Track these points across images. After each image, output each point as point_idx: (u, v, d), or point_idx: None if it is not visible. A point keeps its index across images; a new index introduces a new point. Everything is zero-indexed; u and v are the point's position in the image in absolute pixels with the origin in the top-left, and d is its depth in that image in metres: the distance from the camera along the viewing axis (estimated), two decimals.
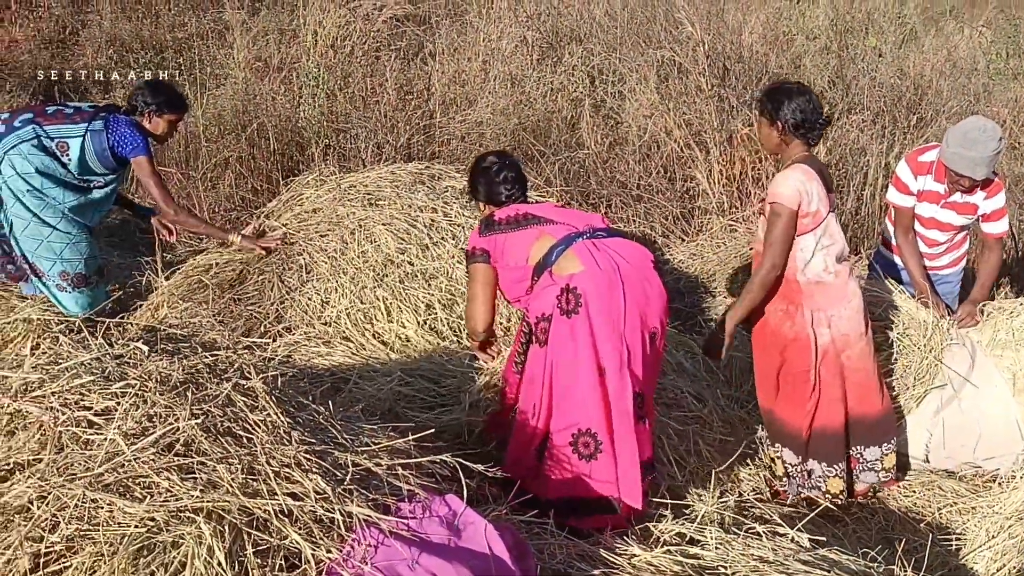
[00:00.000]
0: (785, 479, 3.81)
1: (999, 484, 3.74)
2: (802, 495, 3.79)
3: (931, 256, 4.56)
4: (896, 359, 4.10)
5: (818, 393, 3.65)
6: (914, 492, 3.99)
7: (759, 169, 6.49)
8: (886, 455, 3.78)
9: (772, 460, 3.87)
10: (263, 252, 4.56)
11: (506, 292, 3.44)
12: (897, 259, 4.67)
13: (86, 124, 4.32)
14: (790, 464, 3.78)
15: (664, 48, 7.56)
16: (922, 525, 3.71)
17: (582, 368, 3.11)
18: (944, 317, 4.19)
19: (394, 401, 3.60)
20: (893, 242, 4.67)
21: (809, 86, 3.78)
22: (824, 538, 2.89)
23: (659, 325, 3.24)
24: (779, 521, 2.85)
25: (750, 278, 3.60)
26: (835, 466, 3.74)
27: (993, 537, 3.24)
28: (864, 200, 6.55)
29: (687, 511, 3.44)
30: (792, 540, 2.75)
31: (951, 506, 3.84)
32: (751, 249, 3.89)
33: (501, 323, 4.17)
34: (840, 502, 3.77)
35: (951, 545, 3.46)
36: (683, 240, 6.47)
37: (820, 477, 3.75)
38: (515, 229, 3.33)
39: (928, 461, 4.06)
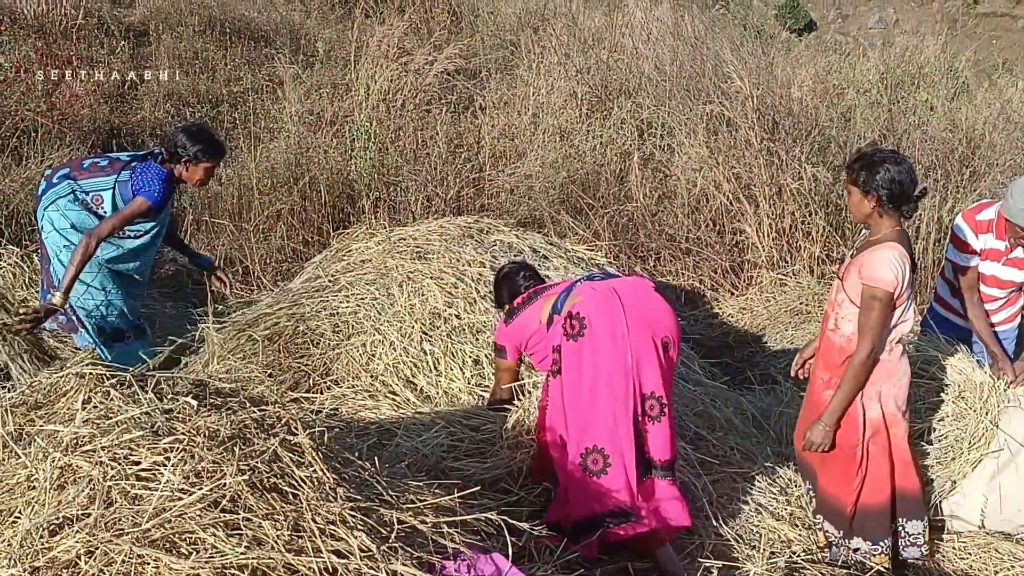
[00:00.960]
0: (827, 550, 3.71)
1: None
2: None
3: (989, 313, 4.46)
4: (951, 421, 3.99)
5: (865, 469, 3.55)
6: (970, 555, 3.86)
7: (809, 223, 6.42)
8: (927, 527, 3.67)
9: (816, 533, 3.77)
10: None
11: (538, 361, 3.72)
12: (951, 316, 4.58)
13: (115, 175, 4.35)
14: (832, 535, 3.68)
15: (713, 102, 7.56)
16: None
17: (588, 386, 3.30)
18: (1005, 378, 4.08)
19: (440, 456, 3.59)
20: (948, 299, 4.58)
21: (905, 156, 3.63)
22: None
23: (670, 335, 3.42)
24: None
25: (851, 368, 3.45)
26: (880, 543, 3.62)
27: None
28: (916, 255, 6.44)
29: (736, 573, 3.37)
30: None
31: (1008, 570, 3.71)
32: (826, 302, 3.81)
33: None
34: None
35: None
36: (732, 294, 6.41)
37: (866, 554, 3.63)
38: (527, 307, 3.70)
39: (983, 527, 3.93)
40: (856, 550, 3.63)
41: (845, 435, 3.55)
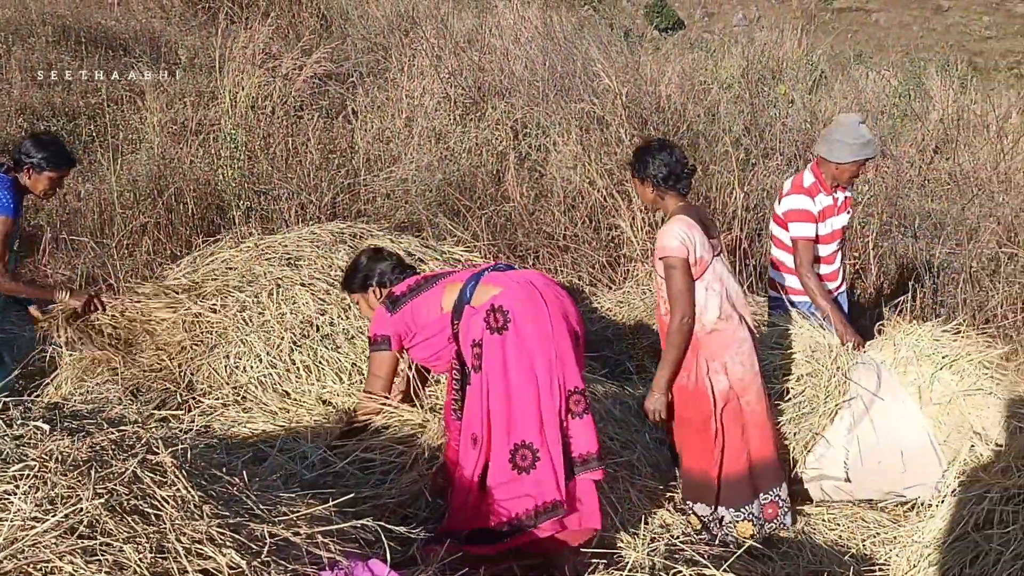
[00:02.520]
0: (703, 533, 3.82)
1: (918, 513, 3.80)
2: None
3: (831, 276, 4.71)
4: (806, 379, 4.18)
5: (722, 440, 3.69)
6: (839, 525, 4.04)
7: None
8: (786, 495, 3.86)
9: (688, 519, 3.88)
10: (92, 307, 4.30)
11: (421, 355, 3.54)
12: (789, 296, 4.76)
13: None
14: (704, 516, 3.79)
15: (584, 101, 7.69)
16: (847, 557, 3.74)
17: (516, 381, 3.21)
18: (849, 345, 4.31)
19: (320, 470, 3.52)
20: (781, 282, 4.79)
21: (672, 141, 3.99)
22: None
23: (579, 326, 3.40)
24: (707, 563, 2.84)
25: (668, 336, 3.64)
26: (742, 510, 3.76)
27: (915, 566, 3.29)
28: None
29: (618, 560, 3.42)
30: None
31: (874, 537, 3.89)
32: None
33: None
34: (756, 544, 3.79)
35: (875, 575, 3.50)
36: (610, 288, 6.52)
37: (729, 523, 3.76)
38: (420, 293, 3.50)
39: (849, 480, 4.10)
40: (722, 519, 3.76)
41: (698, 411, 3.69)
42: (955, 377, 4.12)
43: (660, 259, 3.62)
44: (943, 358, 4.19)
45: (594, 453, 3.28)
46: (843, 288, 4.86)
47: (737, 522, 3.76)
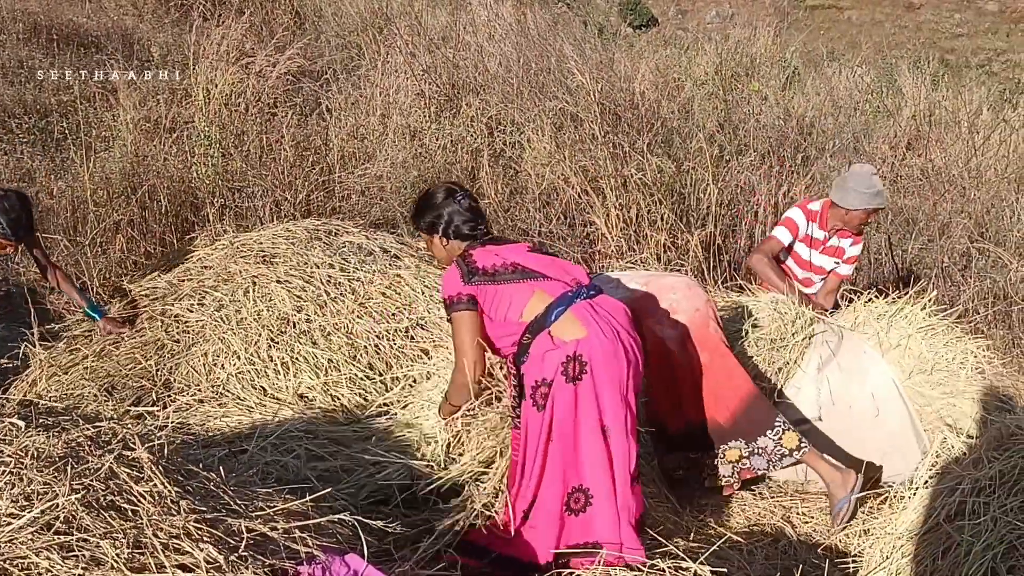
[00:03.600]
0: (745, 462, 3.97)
1: (891, 505, 3.86)
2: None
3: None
4: (771, 321, 4.40)
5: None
6: (812, 518, 4.09)
7: (654, 213, 6.63)
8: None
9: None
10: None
11: (491, 334, 3.26)
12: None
13: None
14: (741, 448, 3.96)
15: (558, 98, 7.71)
16: (820, 549, 3.79)
17: (584, 431, 3.09)
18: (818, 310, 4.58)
19: (299, 466, 3.52)
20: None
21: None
22: (725, 569, 2.93)
23: (639, 383, 3.27)
24: (682, 555, 2.87)
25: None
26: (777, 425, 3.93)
27: (887, 557, 3.33)
28: (756, 238, 6.74)
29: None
30: (695, 574, 2.79)
31: (847, 529, 3.94)
32: None
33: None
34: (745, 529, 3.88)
35: (848, 567, 3.54)
36: None
37: (775, 445, 3.92)
38: (506, 281, 3.17)
39: (821, 419, 4.23)
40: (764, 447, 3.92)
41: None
42: (923, 346, 4.29)
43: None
44: (908, 325, 4.39)
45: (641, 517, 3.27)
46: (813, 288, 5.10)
47: (781, 437, 3.89)
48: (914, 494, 3.48)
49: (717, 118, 8.16)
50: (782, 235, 4.86)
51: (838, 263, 4.96)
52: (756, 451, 3.91)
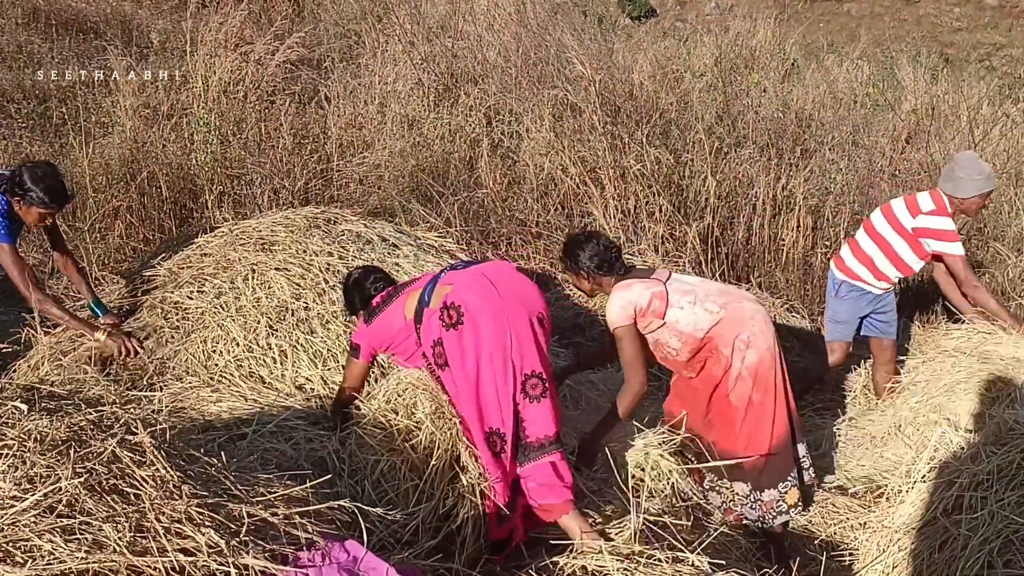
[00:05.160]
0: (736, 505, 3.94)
1: (887, 499, 3.88)
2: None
3: (891, 280, 4.96)
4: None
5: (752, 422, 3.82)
6: (809, 511, 4.10)
7: (652, 204, 6.64)
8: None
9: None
10: (125, 351, 4.28)
11: (403, 357, 3.66)
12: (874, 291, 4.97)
13: None
14: (741, 495, 3.91)
15: (557, 88, 7.70)
16: (817, 543, 3.82)
17: (474, 371, 3.27)
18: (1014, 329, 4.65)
19: (296, 452, 3.54)
20: (867, 279, 4.96)
21: (597, 230, 4.37)
22: (724, 561, 2.95)
23: (543, 311, 3.46)
24: (680, 547, 2.89)
25: (620, 398, 3.79)
26: (789, 479, 3.89)
27: (884, 551, 3.36)
28: (754, 230, 6.75)
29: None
30: (692, 564, 2.81)
31: (844, 522, 3.96)
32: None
33: None
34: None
35: (845, 561, 3.56)
36: None
37: (779, 499, 3.87)
38: (389, 303, 3.64)
39: None
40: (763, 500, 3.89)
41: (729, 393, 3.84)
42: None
43: (611, 333, 3.82)
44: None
45: (551, 436, 3.34)
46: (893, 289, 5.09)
47: (785, 492, 3.87)
48: (911, 488, 3.50)
49: (716, 110, 8.15)
50: (959, 249, 4.77)
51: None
52: (756, 501, 3.87)
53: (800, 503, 3.90)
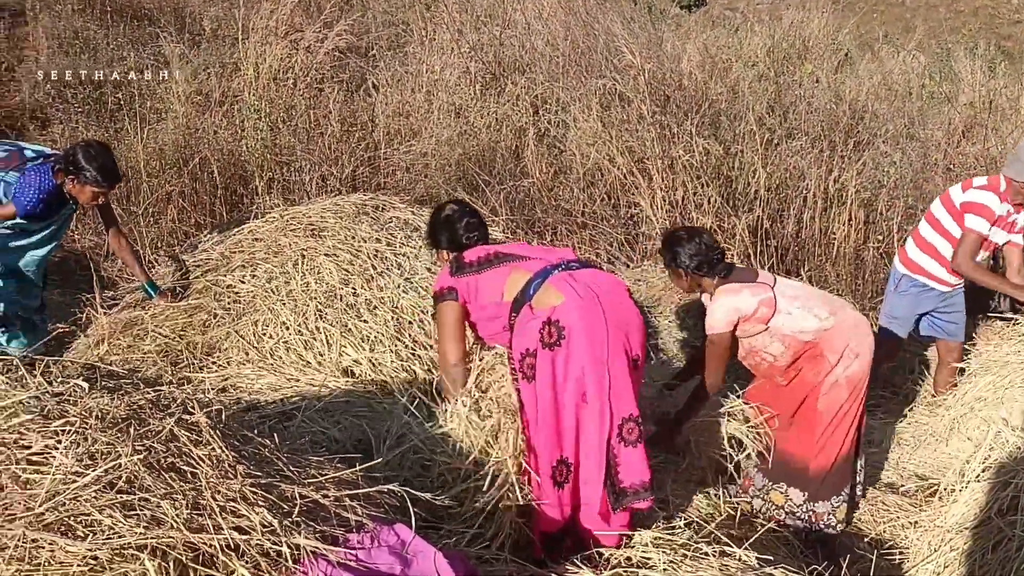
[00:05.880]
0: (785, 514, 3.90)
1: (939, 498, 3.82)
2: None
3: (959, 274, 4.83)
4: None
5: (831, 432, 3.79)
6: (858, 508, 4.05)
7: (701, 195, 6.59)
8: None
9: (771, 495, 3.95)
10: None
11: (483, 331, 3.43)
12: (939, 287, 4.86)
13: (4, 172, 4.25)
14: (795, 502, 3.87)
15: (605, 77, 7.66)
16: (866, 540, 3.77)
17: (560, 398, 3.10)
18: None
19: (343, 435, 3.57)
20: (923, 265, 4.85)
21: (700, 227, 4.25)
22: (771, 557, 2.92)
23: (640, 351, 3.24)
24: (727, 541, 2.87)
25: (694, 393, 3.82)
26: (843, 494, 3.85)
27: (935, 550, 3.31)
28: (804, 223, 6.67)
29: (637, 533, 3.46)
30: (740, 559, 2.78)
31: (894, 521, 3.91)
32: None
33: None
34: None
35: (895, 559, 3.52)
36: (628, 266, 6.53)
37: (830, 513, 3.82)
38: (486, 269, 3.35)
39: None
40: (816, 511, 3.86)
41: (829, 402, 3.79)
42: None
43: (707, 334, 3.78)
44: None
45: (647, 483, 3.18)
46: (961, 287, 4.95)
47: (838, 507, 3.83)
48: (965, 487, 3.44)
49: (767, 100, 8.06)
50: (981, 227, 4.63)
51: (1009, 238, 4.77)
52: (808, 512, 3.82)
53: (844, 521, 3.88)
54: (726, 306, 3.71)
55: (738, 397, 3.99)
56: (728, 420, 3.88)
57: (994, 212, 4.60)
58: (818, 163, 6.95)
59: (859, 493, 3.93)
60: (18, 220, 4.29)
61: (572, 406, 3.11)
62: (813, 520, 3.80)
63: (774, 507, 3.87)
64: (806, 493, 3.80)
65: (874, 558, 3.29)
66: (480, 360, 3.45)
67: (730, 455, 3.81)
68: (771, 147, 7.18)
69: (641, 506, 3.19)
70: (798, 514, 3.82)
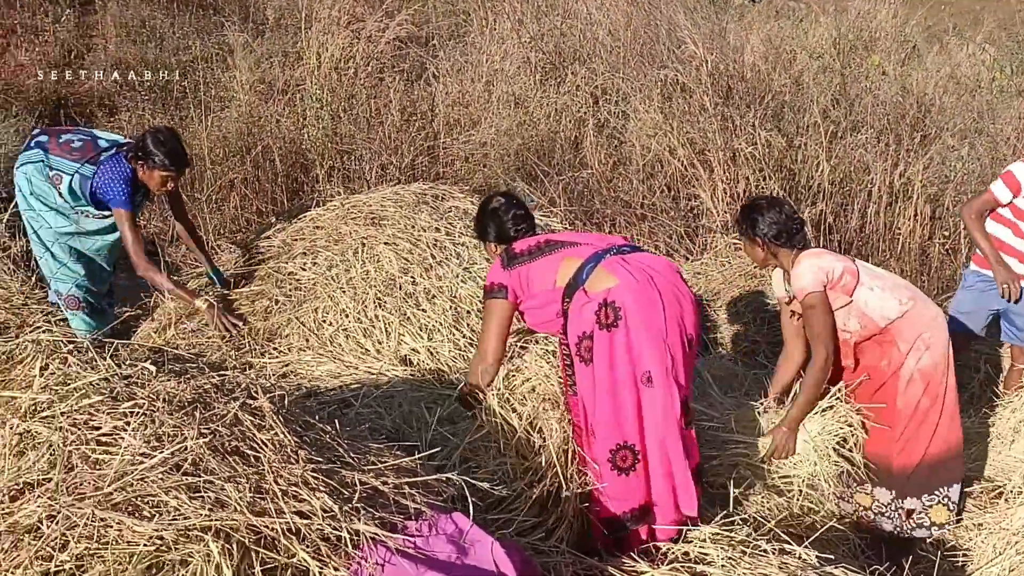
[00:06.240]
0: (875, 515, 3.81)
1: (1005, 500, 3.72)
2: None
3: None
4: None
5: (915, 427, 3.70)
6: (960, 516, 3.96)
7: (763, 188, 6.50)
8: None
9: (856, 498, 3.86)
10: (222, 329, 4.26)
11: (533, 320, 3.42)
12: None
13: (78, 164, 4.33)
14: (883, 502, 3.78)
15: (667, 67, 7.59)
16: (929, 541, 3.69)
17: (619, 380, 3.08)
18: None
19: (401, 422, 3.60)
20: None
21: (781, 198, 4.07)
22: (832, 555, 2.87)
23: (695, 332, 3.21)
24: (787, 539, 2.83)
25: (808, 374, 3.61)
26: (935, 493, 3.73)
27: (1001, 553, 3.24)
28: (869, 217, 6.55)
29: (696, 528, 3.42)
30: (800, 557, 2.75)
31: (959, 522, 3.81)
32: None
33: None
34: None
35: (958, 561, 3.44)
36: (687, 259, 6.48)
37: (921, 512, 3.72)
38: (537, 257, 3.34)
39: None
40: (910, 510, 3.75)
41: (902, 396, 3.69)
42: None
43: (800, 301, 3.62)
44: None
45: (696, 466, 3.20)
46: None
47: (931, 507, 3.73)
48: None
49: (832, 92, 7.91)
50: (999, 191, 4.52)
51: None
52: (897, 510, 3.72)
53: (948, 524, 3.73)
54: (813, 266, 3.59)
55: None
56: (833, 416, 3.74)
57: (1020, 184, 4.48)
58: (883, 157, 6.82)
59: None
60: (88, 207, 4.39)
61: (632, 387, 3.08)
62: (902, 519, 3.71)
63: (861, 508, 3.77)
64: (893, 491, 3.69)
65: (937, 559, 3.23)
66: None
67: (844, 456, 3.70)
68: (835, 140, 7.06)
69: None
70: (886, 513, 3.72)
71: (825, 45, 9.25)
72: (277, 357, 4.08)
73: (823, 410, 3.67)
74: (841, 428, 3.65)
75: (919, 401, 3.62)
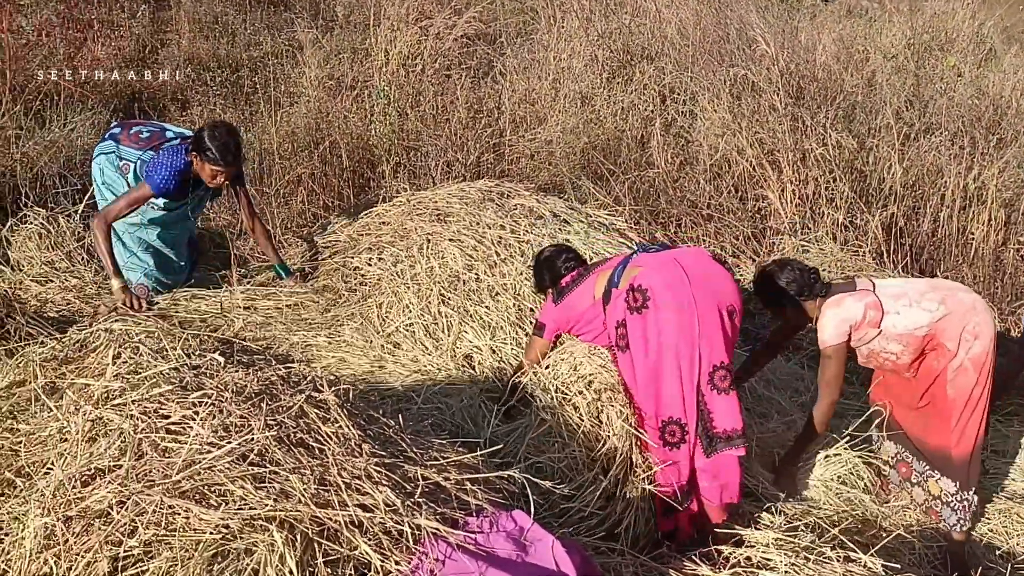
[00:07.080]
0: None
1: None
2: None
3: None
4: None
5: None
6: (990, 519, 3.88)
7: (832, 190, 6.37)
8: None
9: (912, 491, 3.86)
10: (128, 305, 4.25)
11: (586, 337, 3.69)
12: None
13: (141, 152, 4.45)
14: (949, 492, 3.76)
15: (737, 66, 7.48)
16: (999, 553, 3.59)
17: (655, 358, 3.24)
18: None
19: (462, 418, 3.61)
20: None
21: (787, 257, 4.21)
22: (899, 565, 2.81)
23: (735, 303, 3.34)
24: (852, 546, 2.78)
25: (814, 414, 3.77)
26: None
27: None
28: (941, 222, 6.38)
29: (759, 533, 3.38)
30: (864, 566, 2.69)
31: None
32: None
33: None
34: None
35: None
36: (753, 260, 6.37)
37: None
38: (579, 283, 3.68)
39: None
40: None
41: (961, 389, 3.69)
42: None
43: (822, 350, 3.75)
44: None
45: (739, 430, 3.28)
46: None
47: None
48: None
49: (905, 94, 7.72)
50: None
51: None
52: (962, 501, 3.68)
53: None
54: (835, 319, 3.70)
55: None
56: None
57: None
58: (958, 160, 6.63)
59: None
60: (154, 199, 4.48)
61: (672, 365, 3.22)
62: (965, 510, 3.68)
63: (931, 497, 3.76)
64: (957, 482, 3.68)
65: (1007, 571, 3.13)
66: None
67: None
68: (908, 142, 6.88)
69: (736, 452, 3.28)
70: (953, 504, 3.69)
71: (899, 45, 9.04)
72: (340, 351, 4.12)
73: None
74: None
75: (972, 390, 3.63)
